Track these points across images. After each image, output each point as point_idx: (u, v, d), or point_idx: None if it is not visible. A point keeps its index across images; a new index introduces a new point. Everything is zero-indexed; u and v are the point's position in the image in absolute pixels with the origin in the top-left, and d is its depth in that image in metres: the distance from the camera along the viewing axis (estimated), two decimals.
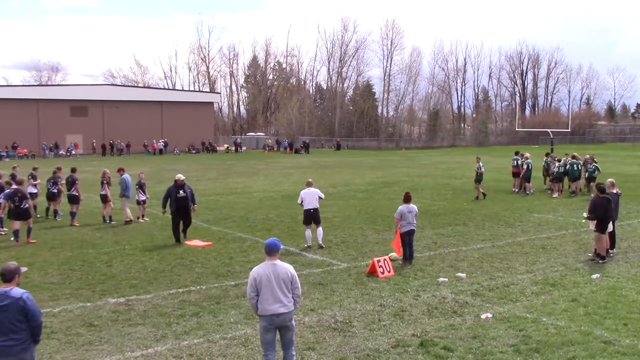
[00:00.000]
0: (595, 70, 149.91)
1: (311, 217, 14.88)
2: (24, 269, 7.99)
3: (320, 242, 14.95)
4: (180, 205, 15.76)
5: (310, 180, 15.86)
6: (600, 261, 13.27)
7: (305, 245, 14.98)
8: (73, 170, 19.87)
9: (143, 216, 19.79)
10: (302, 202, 14.98)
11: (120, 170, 19.72)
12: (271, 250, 7.07)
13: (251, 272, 7.14)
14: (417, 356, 8.08)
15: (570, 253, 14.32)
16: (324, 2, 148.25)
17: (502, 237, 16.46)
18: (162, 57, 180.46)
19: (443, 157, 57.70)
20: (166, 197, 15.93)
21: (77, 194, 19.16)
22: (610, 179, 14.98)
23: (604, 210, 13.34)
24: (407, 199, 13.33)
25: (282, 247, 7.41)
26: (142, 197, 19.73)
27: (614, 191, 14.35)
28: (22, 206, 15.66)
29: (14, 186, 16.66)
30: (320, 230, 15.01)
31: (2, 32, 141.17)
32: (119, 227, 18.34)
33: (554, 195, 24.99)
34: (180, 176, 16.23)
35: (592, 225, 13.83)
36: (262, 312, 7.00)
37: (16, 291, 6.08)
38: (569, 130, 68.13)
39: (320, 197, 15.08)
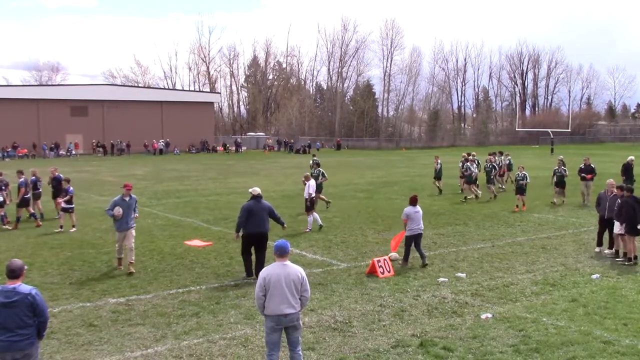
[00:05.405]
0: (596, 70, 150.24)
1: None
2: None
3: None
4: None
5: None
6: (627, 263, 13.08)
7: None
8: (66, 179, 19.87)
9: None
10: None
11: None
12: (282, 252, 7.09)
13: (261, 272, 7.17)
14: (417, 356, 8.09)
15: (570, 253, 14.32)
16: (324, 2, 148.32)
17: (502, 237, 16.45)
18: (162, 57, 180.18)
19: (443, 157, 57.44)
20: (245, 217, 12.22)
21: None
22: (609, 179, 14.97)
23: (632, 211, 13.07)
24: (413, 201, 13.16)
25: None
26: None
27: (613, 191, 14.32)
28: None
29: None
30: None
31: (0, 33, 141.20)
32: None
33: (469, 198, 23.96)
34: (257, 189, 12.66)
35: (617, 228, 13.59)
36: (269, 312, 7.00)
37: (24, 287, 6.17)
38: (569, 130, 68.26)
39: None
